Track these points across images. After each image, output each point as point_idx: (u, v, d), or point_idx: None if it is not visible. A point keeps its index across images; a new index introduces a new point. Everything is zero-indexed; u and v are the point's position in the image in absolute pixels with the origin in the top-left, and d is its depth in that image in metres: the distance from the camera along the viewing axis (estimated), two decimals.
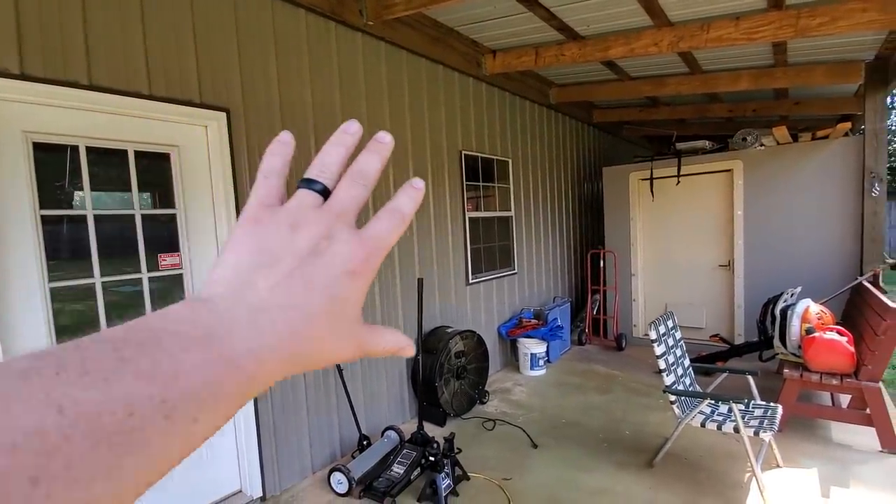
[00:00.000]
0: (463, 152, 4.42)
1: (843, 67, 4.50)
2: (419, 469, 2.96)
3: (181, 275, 2.59)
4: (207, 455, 2.72)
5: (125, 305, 2.44)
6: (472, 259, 4.58)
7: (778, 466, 2.97)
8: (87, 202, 2.27)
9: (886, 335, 3.09)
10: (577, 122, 6.62)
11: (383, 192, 3.64)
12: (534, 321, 5.06)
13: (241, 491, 2.86)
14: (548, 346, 4.93)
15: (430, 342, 3.86)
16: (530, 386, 4.59)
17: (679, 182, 5.43)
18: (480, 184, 4.72)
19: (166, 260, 2.53)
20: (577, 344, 5.86)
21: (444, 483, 2.76)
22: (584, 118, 6.70)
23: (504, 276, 5.07)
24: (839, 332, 3.40)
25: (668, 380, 3.06)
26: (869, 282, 4.15)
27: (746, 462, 2.98)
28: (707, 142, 5.44)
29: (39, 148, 2.13)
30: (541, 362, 4.85)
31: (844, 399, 3.71)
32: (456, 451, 2.97)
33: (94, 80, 2.18)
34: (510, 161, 5.11)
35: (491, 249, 4.88)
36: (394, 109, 3.71)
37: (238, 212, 2.68)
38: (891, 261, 4.42)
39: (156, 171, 2.52)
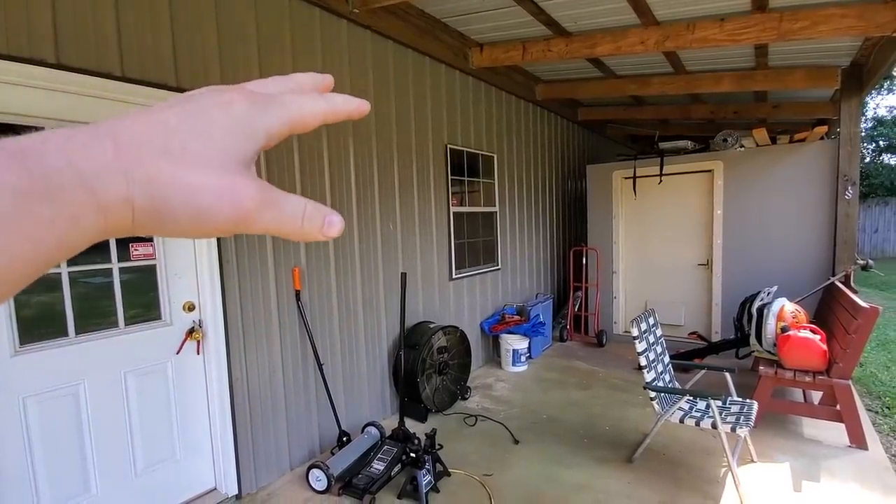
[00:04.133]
0: (448, 146, 4.37)
1: (820, 72, 4.60)
2: (400, 465, 2.93)
3: (154, 266, 2.49)
4: (180, 452, 2.63)
5: (94, 297, 2.33)
6: (456, 254, 4.55)
7: (752, 461, 3.03)
8: None
9: (857, 334, 3.17)
10: (562, 119, 6.63)
11: (369, 194, 3.58)
12: (516, 317, 5.06)
13: (215, 489, 2.79)
14: (530, 343, 4.94)
15: (413, 337, 3.82)
16: (512, 382, 4.60)
17: (661, 181, 5.49)
18: (465, 179, 4.68)
19: (139, 250, 2.43)
20: (558, 340, 5.90)
21: (425, 479, 2.73)
22: (569, 116, 6.72)
23: (487, 271, 5.06)
24: (813, 331, 3.48)
25: (649, 376, 3.09)
26: (841, 282, 4.27)
27: (723, 457, 3.03)
28: (689, 142, 5.51)
29: (0, 129, 2.01)
30: (523, 358, 4.86)
31: (816, 396, 3.81)
32: (437, 447, 2.94)
33: (62, 59, 2.06)
34: (495, 156, 5.09)
35: (475, 245, 4.86)
36: (378, 100, 3.64)
37: None
38: (861, 262, 4.54)
39: None
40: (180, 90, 2.43)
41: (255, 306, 2.86)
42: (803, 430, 3.45)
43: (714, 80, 4.87)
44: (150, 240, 2.46)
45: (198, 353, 2.65)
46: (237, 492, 2.78)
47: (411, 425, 3.46)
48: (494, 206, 5.14)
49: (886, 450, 3.22)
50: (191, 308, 2.61)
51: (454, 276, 4.53)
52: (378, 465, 2.90)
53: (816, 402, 3.70)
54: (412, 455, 2.78)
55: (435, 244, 4.30)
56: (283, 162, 2.97)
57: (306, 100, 0.31)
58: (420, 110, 4.06)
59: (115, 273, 2.36)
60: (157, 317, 2.52)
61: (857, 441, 3.18)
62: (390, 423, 3.45)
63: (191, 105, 0.26)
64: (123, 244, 2.38)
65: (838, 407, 3.24)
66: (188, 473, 2.67)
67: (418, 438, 2.99)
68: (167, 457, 2.58)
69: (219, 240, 2.63)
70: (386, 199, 3.75)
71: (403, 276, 3.39)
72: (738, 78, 4.79)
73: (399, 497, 2.74)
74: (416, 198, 4.04)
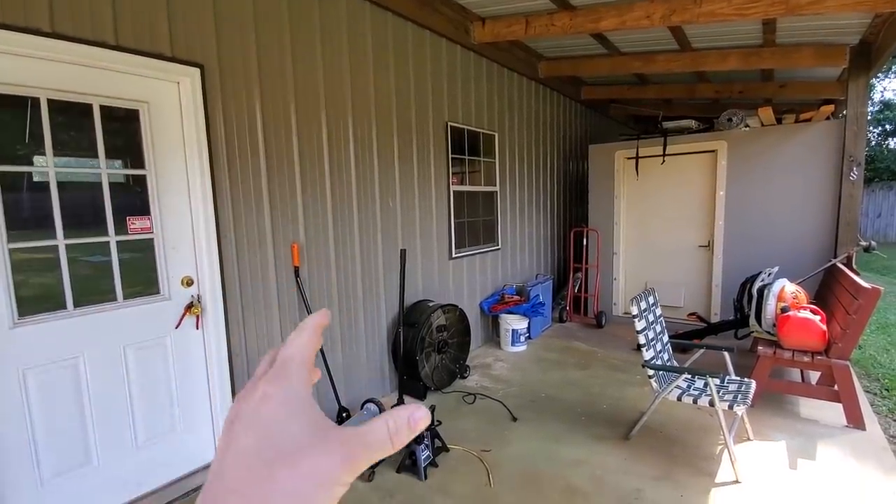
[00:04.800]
0: (449, 124, 4.32)
1: (829, 50, 4.50)
2: None
3: (152, 240, 2.48)
4: (181, 426, 2.65)
5: (92, 270, 2.32)
6: (456, 233, 4.53)
7: (749, 439, 3.05)
8: (48, 157, 2.12)
9: (858, 314, 3.16)
10: (565, 97, 6.54)
11: (369, 173, 3.53)
12: (516, 297, 5.06)
13: None
14: (529, 323, 4.95)
15: (412, 315, 3.82)
16: (511, 361, 4.62)
17: (664, 161, 5.43)
18: (466, 157, 4.64)
19: (136, 224, 2.41)
20: (557, 321, 5.91)
21: (424, 454, 2.76)
22: (572, 94, 6.62)
23: (487, 251, 5.04)
24: (813, 311, 3.47)
25: (648, 355, 3.09)
26: (843, 263, 4.25)
27: (719, 435, 3.06)
28: (693, 121, 5.44)
29: None
30: (522, 338, 4.87)
31: (814, 376, 3.83)
32: (436, 423, 2.97)
33: (56, 28, 2.03)
34: (496, 135, 5.03)
35: (475, 224, 4.84)
36: (378, 74, 3.58)
37: (213, 175, 2.56)
38: (864, 243, 4.51)
39: (125, 129, 2.38)
40: (175, 61, 2.38)
41: (254, 282, 2.85)
42: (800, 409, 3.46)
43: (720, 58, 4.78)
44: (147, 213, 2.44)
45: (197, 328, 2.65)
46: None
47: (410, 403, 3.48)
48: (495, 185, 5.10)
49: (885, 430, 3.23)
50: (189, 283, 2.60)
51: (454, 255, 4.52)
52: None
53: (814, 383, 3.71)
54: None
55: (435, 223, 4.27)
56: (281, 141, 2.93)
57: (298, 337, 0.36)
58: (420, 86, 3.99)
59: (113, 246, 2.34)
60: (156, 291, 2.52)
61: (855, 421, 3.19)
62: (389, 401, 3.48)
63: (250, 419, 0.29)
64: (120, 217, 2.36)
65: (836, 387, 3.25)
66: (189, 446, 2.69)
67: None
68: (168, 430, 2.60)
69: (217, 215, 2.61)
70: (385, 178, 3.71)
71: (403, 253, 3.37)
72: (745, 55, 4.69)
73: (398, 471, 2.77)
74: (415, 176, 4.01)
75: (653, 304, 3.36)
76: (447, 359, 3.99)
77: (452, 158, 4.40)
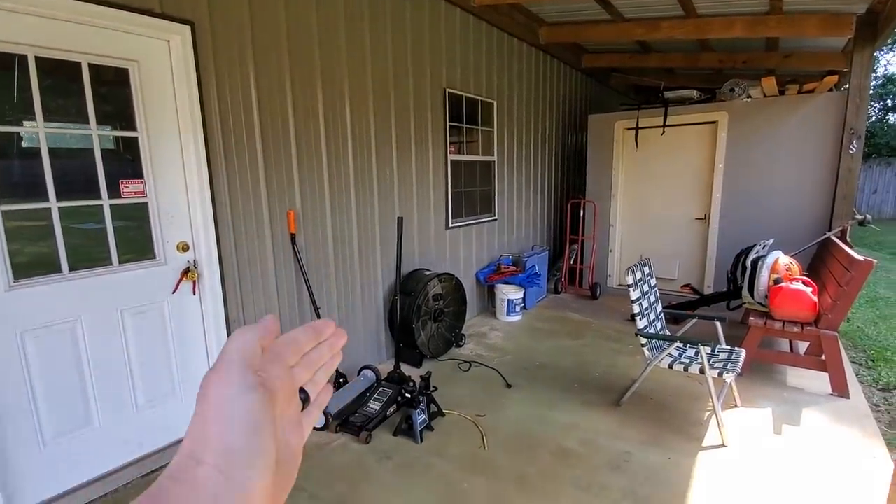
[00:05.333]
0: (447, 90, 4.23)
1: (835, 19, 4.40)
2: (395, 406, 3.01)
3: (146, 204, 2.44)
4: (181, 388, 2.69)
5: (88, 245, 2.30)
6: (453, 203, 4.50)
7: (736, 406, 3.14)
8: (38, 120, 2.07)
9: (849, 286, 3.20)
10: (565, 65, 6.40)
11: (365, 138, 3.47)
12: (512, 268, 5.08)
13: None
14: (524, 293, 4.99)
15: (409, 284, 3.84)
16: (506, 331, 4.68)
17: (664, 132, 5.37)
18: (464, 126, 4.56)
19: (129, 187, 2.37)
20: (553, 292, 5.96)
21: (420, 418, 2.82)
22: (573, 62, 6.47)
23: (484, 221, 5.03)
24: (805, 283, 3.52)
25: (641, 323, 3.14)
26: (837, 237, 4.28)
27: (707, 402, 3.14)
28: (696, 92, 5.35)
29: None
30: (517, 308, 4.92)
31: (802, 346, 3.90)
32: (432, 388, 3.02)
33: None
34: (495, 103, 4.94)
35: (472, 194, 4.80)
36: (375, 38, 3.48)
37: (206, 137, 2.51)
38: (859, 217, 4.53)
39: (115, 90, 2.31)
40: (164, 17, 2.29)
41: (251, 249, 2.84)
42: (787, 378, 3.55)
43: (726, 25, 4.66)
44: (140, 177, 2.40)
45: (194, 294, 2.65)
46: None
47: (406, 370, 3.54)
48: (493, 155, 5.05)
49: (868, 399, 3.32)
50: (185, 248, 2.59)
51: (451, 225, 4.50)
52: (374, 405, 2.98)
53: (802, 353, 3.79)
54: (407, 395, 2.85)
55: (432, 192, 4.24)
56: (276, 103, 2.86)
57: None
58: (418, 50, 3.89)
59: (106, 209, 2.31)
60: (152, 256, 2.50)
61: (840, 389, 3.27)
62: (386, 368, 3.53)
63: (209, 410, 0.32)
64: (113, 181, 2.32)
65: (823, 357, 3.32)
66: (189, 409, 2.73)
67: (413, 381, 3.06)
68: (168, 392, 2.64)
69: (211, 179, 2.57)
70: (382, 144, 3.65)
71: (400, 220, 3.36)
72: (751, 23, 4.58)
73: (394, 434, 2.83)
74: (412, 143, 3.95)
75: (648, 275, 3.39)
76: (443, 327, 4.03)
77: (450, 127, 4.33)
